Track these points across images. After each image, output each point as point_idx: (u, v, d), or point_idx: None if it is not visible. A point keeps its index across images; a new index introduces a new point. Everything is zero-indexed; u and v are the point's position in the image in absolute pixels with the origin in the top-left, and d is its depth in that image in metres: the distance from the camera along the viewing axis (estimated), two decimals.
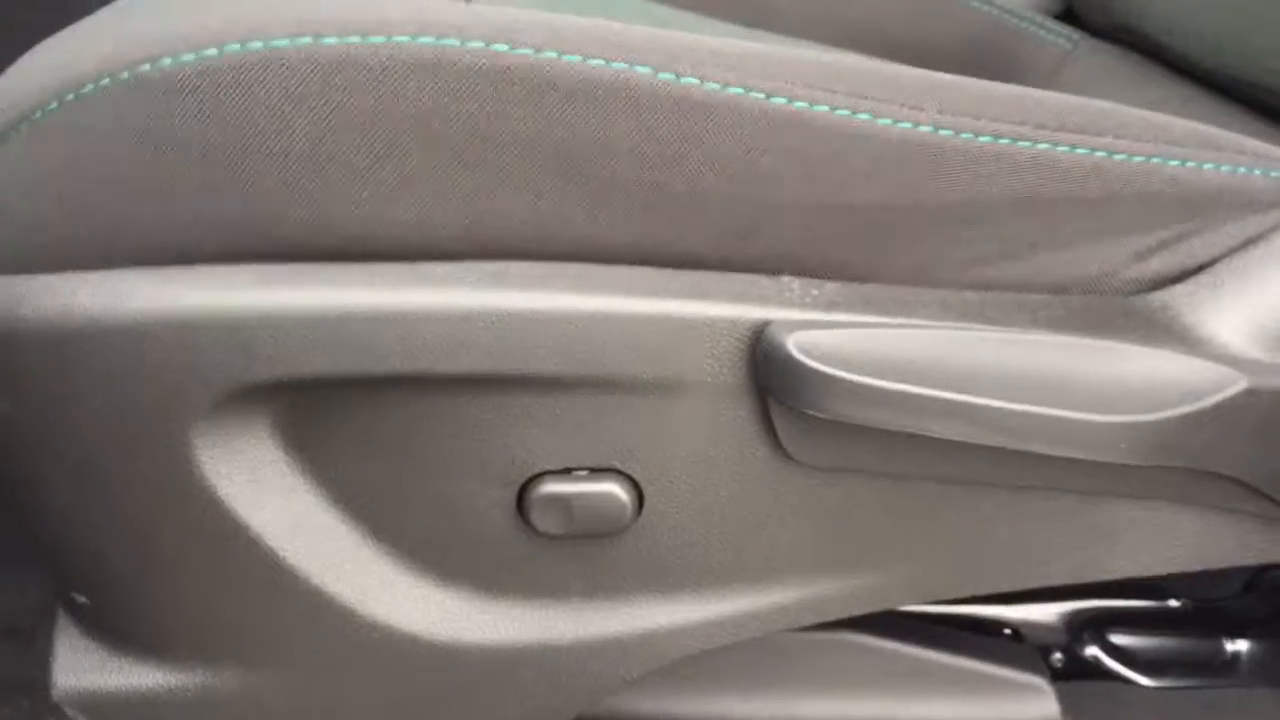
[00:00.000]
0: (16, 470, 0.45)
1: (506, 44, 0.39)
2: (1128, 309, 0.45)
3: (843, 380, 0.41)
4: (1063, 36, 0.81)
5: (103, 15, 0.46)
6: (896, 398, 0.41)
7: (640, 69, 0.40)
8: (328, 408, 0.44)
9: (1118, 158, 0.44)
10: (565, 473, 0.45)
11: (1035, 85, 0.77)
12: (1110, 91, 0.68)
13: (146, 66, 0.38)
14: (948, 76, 0.44)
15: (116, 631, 0.49)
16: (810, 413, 0.42)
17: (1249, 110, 0.63)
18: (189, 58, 0.38)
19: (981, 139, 0.42)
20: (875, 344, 0.42)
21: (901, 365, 0.41)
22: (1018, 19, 0.82)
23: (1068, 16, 0.85)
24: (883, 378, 0.41)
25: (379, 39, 0.38)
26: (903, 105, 0.42)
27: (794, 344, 0.41)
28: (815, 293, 0.43)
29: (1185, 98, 0.66)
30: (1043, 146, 0.43)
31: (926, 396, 0.41)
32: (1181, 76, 0.70)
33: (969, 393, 0.41)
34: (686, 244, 0.43)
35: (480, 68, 0.39)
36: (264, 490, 0.44)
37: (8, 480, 0.45)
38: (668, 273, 0.43)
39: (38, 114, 0.39)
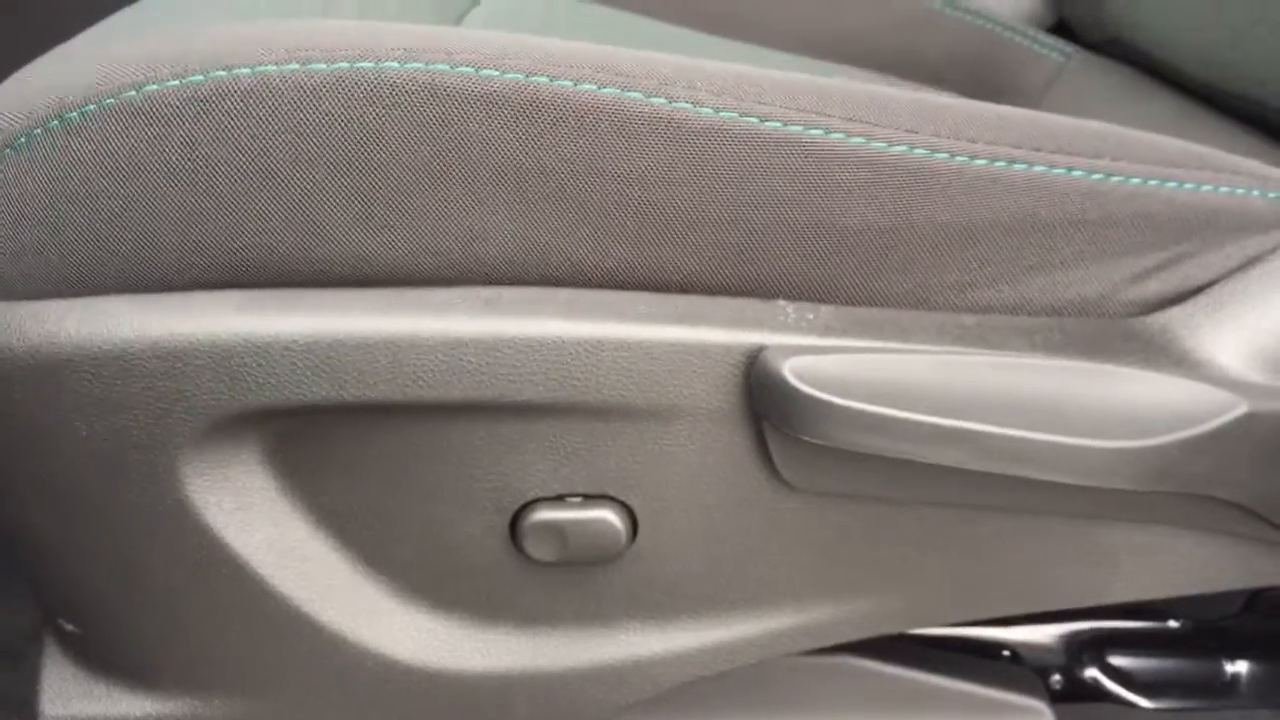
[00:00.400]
0: (3, 498, 0.44)
1: (496, 69, 0.39)
2: (1126, 332, 0.45)
3: (839, 406, 0.40)
4: (1056, 50, 0.81)
5: (86, 39, 0.46)
6: (893, 424, 0.41)
7: (632, 94, 0.39)
8: (318, 435, 0.43)
9: (1114, 179, 0.43)
10: (559, 500, 0.45)
11: (1028, 99, 0.77)
12: (1104, 105, 0.68)
13: (132, 92, 0.38)
14: (942, 99, 0.44)
15: (104, 659, 0.49)
16: (806, 438, 0.42)
17: (1243, 124, 0.63)
18: (174, 84, 0.38)
19: (977, 162, 0.42)
20: (871, 369, 0.41)
21: (898, 390, 0.41)
22: (1011, 32, 0.82)
23: (1060, 30, 0.85)
24: (879, 403, 0.41)
25: (367, 64, 0.38)
26: (897, 128, 0.41)
27: (789, 369, 0.40)
28: (810, 317, 0.43)
29: (1180, 112, 0.66)
30: (1038, 169, 0.43)
31: (923, 422, 0.41)
32: (1176, 90, 0.70)
33: (966, 418, 0.41)
34: (679, 268, 0.43)
35: (470, 93, 0.38)
36: (253, 518, 0.44)
37: None
38: (661, 297, 0.43)
39: (22, 139, 0.39)
